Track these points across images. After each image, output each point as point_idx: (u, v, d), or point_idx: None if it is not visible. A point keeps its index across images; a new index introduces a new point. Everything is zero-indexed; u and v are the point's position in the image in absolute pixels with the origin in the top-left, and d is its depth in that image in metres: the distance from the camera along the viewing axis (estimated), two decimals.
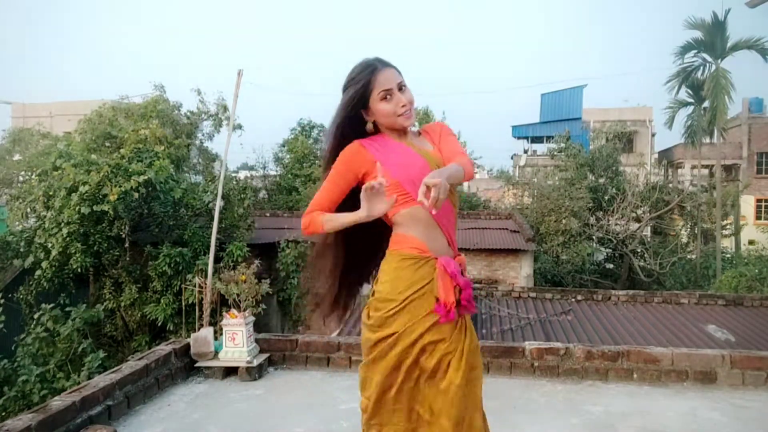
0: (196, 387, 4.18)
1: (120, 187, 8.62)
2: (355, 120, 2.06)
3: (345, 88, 2.05)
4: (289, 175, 18.84)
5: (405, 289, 1.91)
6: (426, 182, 1.62)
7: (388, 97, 1.98)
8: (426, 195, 1.62)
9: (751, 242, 22.62)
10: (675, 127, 21.84)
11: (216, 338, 4.53)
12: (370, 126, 2.05)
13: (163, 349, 4.27)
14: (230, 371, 4.34)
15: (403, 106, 1.98)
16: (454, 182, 1.79)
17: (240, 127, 16.24)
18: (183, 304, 8.29)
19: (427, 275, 1.92)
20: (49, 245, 8.71)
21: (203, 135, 16.22)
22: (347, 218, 1.92)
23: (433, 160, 1.99)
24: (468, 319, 2.01)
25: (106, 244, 9.34)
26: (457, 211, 2.11)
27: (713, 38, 19.09)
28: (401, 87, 2.01)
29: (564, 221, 15.88)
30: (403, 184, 1.93)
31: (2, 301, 8.24)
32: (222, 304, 5.17)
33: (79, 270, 8.99)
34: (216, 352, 4.41)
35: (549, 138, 25.25)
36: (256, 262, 5.40)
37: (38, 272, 9.00)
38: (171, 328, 9.23)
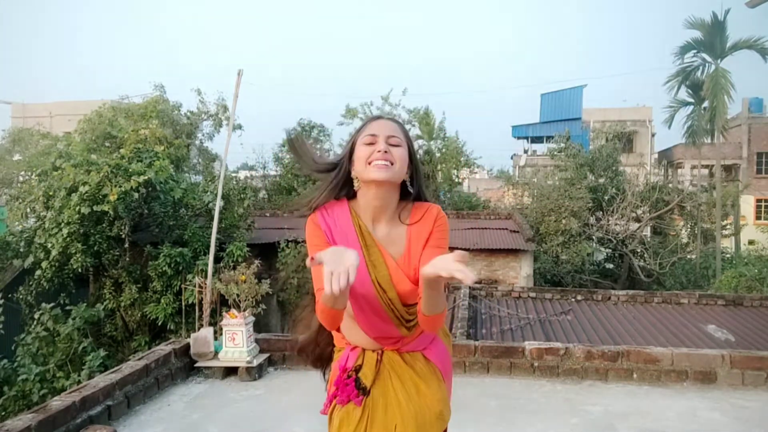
0: (195, 387, 4.18)
1: (120, 187, 8.62)
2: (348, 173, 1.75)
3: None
4: (289, 175, 18.84)
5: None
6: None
7: (372, 143, 1.66)
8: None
9: (751, 242, 22.61)
10: (675, 127, 21.90)
11: (216, 338, 4.53)
12: (356, 184, 1.71)
13: (163, 349, 4.28)
14: (230, 371, 4.34)
15: (380, 151, 1.62)
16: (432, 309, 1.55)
17: (240, 127, 16.25)
18: (183, 304, 8.28)
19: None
20: (49, 245, 8.70)
21: (203, 135, 16.24)
22: None
23: (382, 291, 1.64)
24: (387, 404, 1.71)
25: (106, 244, 9.33)
26: (410, 318, 1.71)
27: (713, 38, 19.10)
28: (394, 143, 1.67)
29: (564, 221, 15.87)
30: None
31: (2, 301, 8.24)
32: (222, 304, 5.16)
33: (79, 270, 8.99)
34: (216, 352, 4.41)
35: (549, 138, 25.24)
36: (256, 262, 5.40)
37: (38, 272, 8.99)
38: (171, 328, 9.23)
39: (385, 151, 1.63)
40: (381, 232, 1.70)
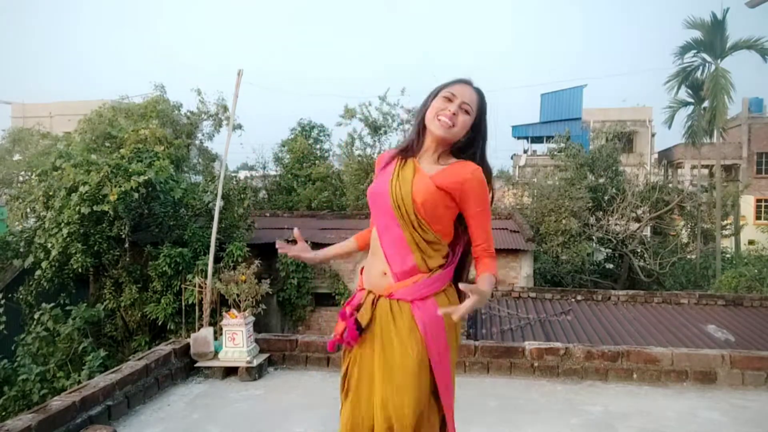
0: (195, 387, 4.18)
1: (120, 187, 8.61)
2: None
3: None
4: (289, 175, 18.84)
5: None
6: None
7: (449, 99, 1.93)
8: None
9: (751, 242, 22.62)
10: (675, 127, 21.88)
11: (216, 338, 4.53)
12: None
13: (163, 349, 4.28)
14: (230, 371, 4.34)
15: (448, 111, 1.90)
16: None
17: (240, 127, 16.24)
18: (183, 304, 8.28)
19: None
20: (49, 245, 8.70)
21: (203, 135, 16.22)
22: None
23: (398, 194, 1.92)
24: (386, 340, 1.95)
25: (106, 245, 9.33)
26: (424, 238, 1.95)
27: (713, 38, 19.10)
28: (465, 109, 1.93)
29: (564, 221, 15.85)
30: (371, 209, 2.04)
31: (2, 301, 8.23)
32: (222, 304, 5.17)
33: (79, 270, 8.98)
34: (216, 352, 4.42)
35: (549, 138, 25.24)
36: (256, 262, 5.40)
37: (38, 272, 8.98)
38: (171, 328, 9.23)
39: (454, 113, 1.90)
40: (421, 164, 1.99)
